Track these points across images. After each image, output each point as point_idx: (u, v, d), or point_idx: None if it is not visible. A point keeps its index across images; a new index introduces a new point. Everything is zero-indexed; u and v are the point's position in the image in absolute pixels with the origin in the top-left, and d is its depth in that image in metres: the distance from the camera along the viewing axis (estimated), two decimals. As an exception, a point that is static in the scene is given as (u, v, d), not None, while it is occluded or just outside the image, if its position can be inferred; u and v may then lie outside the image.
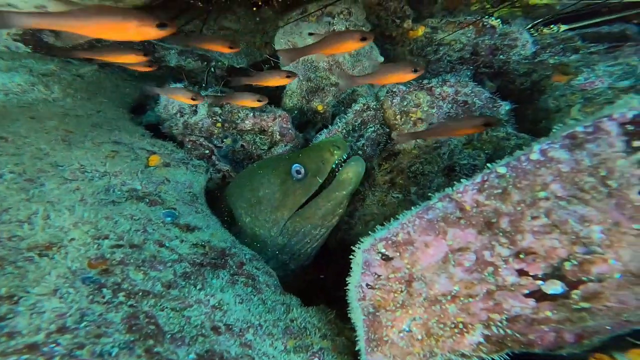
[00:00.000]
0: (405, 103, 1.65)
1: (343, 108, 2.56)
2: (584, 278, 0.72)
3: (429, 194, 1.83)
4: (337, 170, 1.57)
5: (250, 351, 1.06)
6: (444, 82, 1.53)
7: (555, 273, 0.74)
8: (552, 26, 2.40)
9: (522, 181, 0.76)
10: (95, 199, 1.22)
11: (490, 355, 0.82)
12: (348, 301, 1.22)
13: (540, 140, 0.81)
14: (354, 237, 2.13)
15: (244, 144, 2.25)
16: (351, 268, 1.12)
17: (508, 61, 2.01)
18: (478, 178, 0.80)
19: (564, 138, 0.77)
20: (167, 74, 2.82)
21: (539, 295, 0.75)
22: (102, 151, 1.54)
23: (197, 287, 1.16)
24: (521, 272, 0.76)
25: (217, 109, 2.11)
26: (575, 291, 0.72)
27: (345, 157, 1.61)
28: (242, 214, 1.70)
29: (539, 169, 0.76)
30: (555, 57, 1.91)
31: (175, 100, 2.20)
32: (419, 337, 0.88)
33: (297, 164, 1.54)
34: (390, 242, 0.86)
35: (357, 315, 1.00)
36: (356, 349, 1.05)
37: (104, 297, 0.89)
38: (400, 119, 1.67)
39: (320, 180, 1.53)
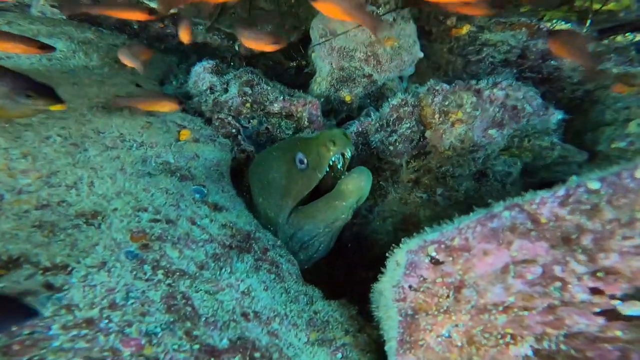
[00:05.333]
0: (447, 102, 1.61)
1: (369, 101, 2.51)
2: None
3: (458, 197, 1.81)
4: (335, 168, 1.49)
5: (277, 341, 1.06)
6: (495, 84, 1.48)
7: (638, 295, 0.72)
8: (628, 34, 2.29)
9: (621, 199, 0.73)
10: (134, 169, 1.21)
11: None
12: (372, 298, 1.21)
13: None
14: (370, 233, 2.12)
15: (268, 126, 2.22)
16: (385, 266, 1.10)
17: (560, 67, 1.94)
18: (561, 191, 0.77)
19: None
20: (191, 49, 2.78)
21: (611, 315, 0.73)
22: (137, 121, 1.52)
23: (227, 271, 1.15)
24: (595, 291, 0.74)
25: (248, 89, 2.08)
26: None
27: (350, 154, 1.51)
28: (257, 194, 1.65)
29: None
30: (620, 67, 1.84)
31: (205, 75, 2.17)
32: (459, 344, 0.87)
33: (301, 153, 1.46)
34: (443, 245, 0.84)
35: (391, 315, 0.99)
36: (385, 348, 1.04)
37: (145, 274, 0.89)
38: (438, 119, 1.64)
39: (320, 175, 1.45)
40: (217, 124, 2.07)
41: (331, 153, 1.43)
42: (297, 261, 1.68)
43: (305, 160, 1.47)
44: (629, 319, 0.72)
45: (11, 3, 2.56)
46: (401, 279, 0.93)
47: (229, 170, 1.81)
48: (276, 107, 2.14)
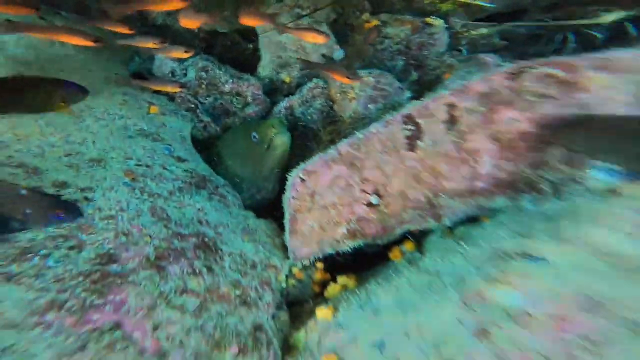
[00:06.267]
0: (344, 85, 2.28)
1: (306, 80, 3.14)
2: (383, 193, 1.43)
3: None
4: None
5: (221, 236, 1.74)
6: (369, 73, 2.17)
7: (375, 192, 1.44)
8: (480, 29, 3.05)
9: (367, 142, 1.44)
10: (119, 133, 1.80)
11: (348, 241, 1.54)
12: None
13: (378, 120, 1.49)
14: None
15: (222, 102, 2.81)
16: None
17: (428, 57, 2.66)
18: (350, 139, 1.48)
19: (384, 121, 1.45)
20: (152, 32, 3.22)
21: (369, 205, 1.46)
22: (116, 99, 2.08)
23: (188, 197, 1.80)
24: (363, 191, 1.46)
25: (203, 74, 2.64)
26: (382, 201, 1.43)
27: (284, 132, 2.24)
28: (227, 159, 2.39)
29: (374, 136, 1.43)
30: (451, 59, 2.57)
31: (167, 61, 2.70)
32: (317, 229, 1.58)
33: (254, 132, 2.22)
34: (305, 171, 1.53)
35: (286, 217, 1.69)
36: (284, 238, 1.75)
37: (136, 195, 1.52)
38: (340, 96, 2.31)
39: (265, 146, 2.22)
40: (179, 100, 2.63)
41: (272, 132, 2.18)
42: (255, 200, 2.41)
43: (257, 137, 2.19)
44: (374, 206, 1.45)
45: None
46: (289, 193, 1.62)
47: (189, 135, 2.41)
48: (227, 88, 2.73)
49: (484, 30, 2.92)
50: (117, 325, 1.09)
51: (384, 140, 1.43)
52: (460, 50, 2.88)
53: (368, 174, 1.44)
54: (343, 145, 1.49)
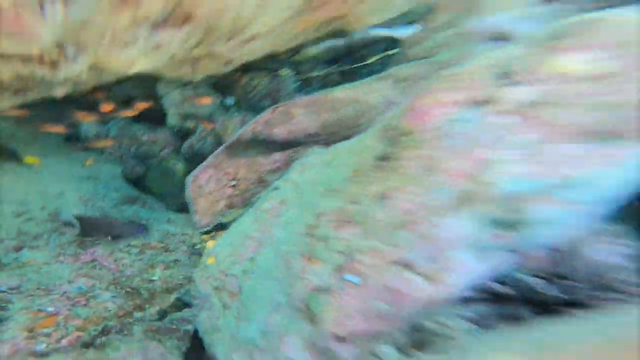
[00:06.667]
0: (224, 126, 3.54)
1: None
2: (237, 178, 2.67)
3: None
4: None
5: (151, 223, 2.81)
6: (239, 115, 3.47)
7: (233, 179, 2.68)
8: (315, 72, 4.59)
9: (222, 153, 2.69)
10: (69, 178, 2.82)
11: (229, 211, 2.72)
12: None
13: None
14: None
15: (143, 149, 3.89)
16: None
17: (280, 98, 4.06)
18: (215, 152, 2.70)
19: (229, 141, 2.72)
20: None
21: (232, 187, 2.68)
22: (60, 157, 3.09)
23: (125, 207, 2.85)
24: (227, 179, 2.67)
25: (123, 131, 3.72)
26: (237, 183, 2.67)
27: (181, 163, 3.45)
28: (154, 186, 3.49)
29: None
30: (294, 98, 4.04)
31: (92, 125, 3.75)
32: (208, 207, 2.74)
33: (163, 164, 3.37)
34: (194, 175, 2.70)
35: (189, 204, 2.83)
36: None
37: (90, 209, 2.56)
38: (222, 131, 3.56)
39: (171, 173, 3.38)
40: (108, 152, 3.66)
41: (172, 163, 3.32)
42: (178, 206, 3.45)
43: (166, 167, 3.33)
44: (235, 186, 2.69)
45: None
46: (188, 188, 2.77)
47: (120, 175, 3.45)
48: (144, 138, 3.83)
49: (322, 73, 4.44)
50: (95, 260, 2.13)
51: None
52: (312, 87, 4.35)
53: (227, 169, 2.66)
54: (211, 157, 2.71)
